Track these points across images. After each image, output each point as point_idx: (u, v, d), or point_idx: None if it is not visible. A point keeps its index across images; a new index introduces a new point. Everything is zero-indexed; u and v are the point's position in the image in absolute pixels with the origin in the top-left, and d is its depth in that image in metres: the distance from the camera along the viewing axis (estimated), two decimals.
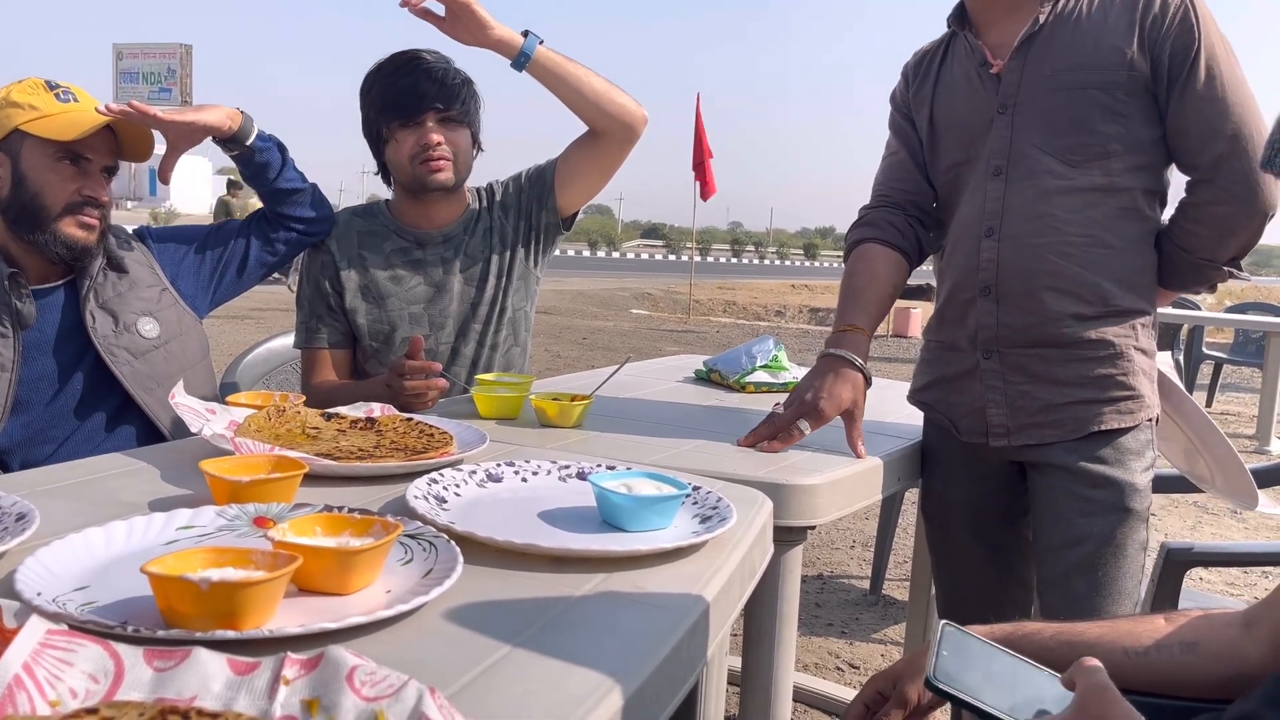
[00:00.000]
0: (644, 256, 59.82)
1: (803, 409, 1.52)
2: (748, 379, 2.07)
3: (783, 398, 2.01)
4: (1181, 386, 1.68)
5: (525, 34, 1.84)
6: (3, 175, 1.63)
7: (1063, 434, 1.52)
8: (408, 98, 1.90)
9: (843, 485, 1.41)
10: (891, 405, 1.95)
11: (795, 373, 2.11)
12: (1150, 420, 1.54)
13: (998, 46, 1.55)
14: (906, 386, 1.84)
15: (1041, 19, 1.50)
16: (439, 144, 1.92)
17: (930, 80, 1.67)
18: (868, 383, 1.58)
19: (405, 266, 2.01)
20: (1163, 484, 1.88)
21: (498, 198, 2.11)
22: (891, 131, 1.76)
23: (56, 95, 1.66)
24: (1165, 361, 1.64)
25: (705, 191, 13.38)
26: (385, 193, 2.15)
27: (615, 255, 57.48)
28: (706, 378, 2.19)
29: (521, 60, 1.84)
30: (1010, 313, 1.53)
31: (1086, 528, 1.51)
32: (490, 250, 2.05)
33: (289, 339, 2.32)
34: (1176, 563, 1.75)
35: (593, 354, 10.07)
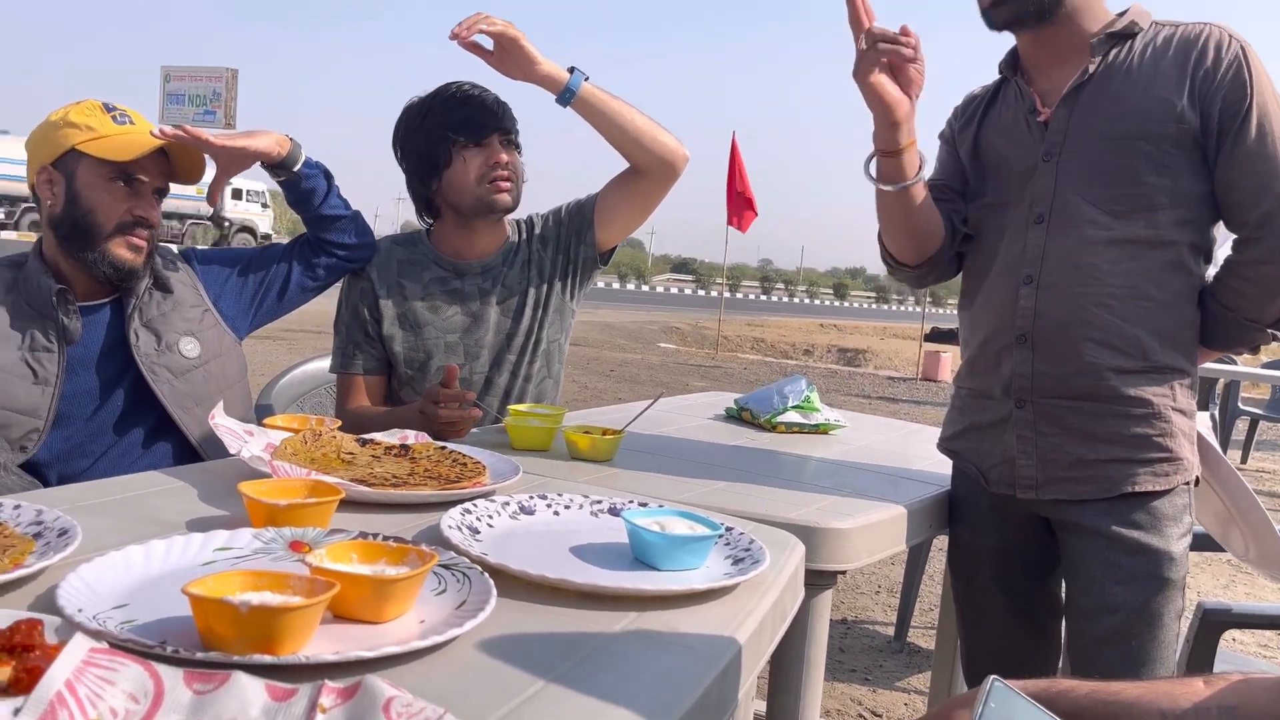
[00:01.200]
0: (673, 291, 59.94)
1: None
2: (779, 419, 2.07)
3: (815, 439, 2.02)
4: (1219, 448, 1.65)
5: (571, 70, 1.87)
6: (57, 193, 1.66)
7: (1094, 491, 1.49)
8: (476, 120, 1.94)
9: (875, 530, 1.40)
10: (921, 451, 1.94)
11: (827, 414, 2.10)
12: (1187, 484, 1.51)
13: (1047, 93, 1.55)
14: (935, 432, 1.83)
15: (1091, 69, 1.49)
16: (508, 162, 1.95)
17: (976, 121, 1.67)
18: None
19: (443, 296, 2.03)
20: (1196, 542, 1.85)
21: (537, 231, 2.13)
22: (937, 163, 1.74)
23: (113, 117, 1.70)
24: (1204, 422, 1.61)
25: (743, 224, 13.42)
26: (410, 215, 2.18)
27: (645, 288, 57.68)
28: (737, 416, 2.18)
29: (567, 96, 1.87)
30: (1046, 362, 1.51)
31: (1120, 596, 1.47)
32: (528, 282, 2.07)
33: (324, 362, 2.34)
34: (1213, 624, 1.72)
35: (620, 386, 10.08)
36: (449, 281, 2.05)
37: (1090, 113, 1.49)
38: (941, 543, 3.12)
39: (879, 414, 2.36)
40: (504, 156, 1.96)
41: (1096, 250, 1.47)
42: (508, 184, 1.98)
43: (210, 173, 1.81)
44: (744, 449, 1.88)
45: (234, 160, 1.77)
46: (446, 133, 1.95)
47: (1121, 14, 1.53)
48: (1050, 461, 1.52)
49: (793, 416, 2.07)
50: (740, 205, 13.41)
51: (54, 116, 1.71)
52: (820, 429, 2.07)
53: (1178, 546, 1.48)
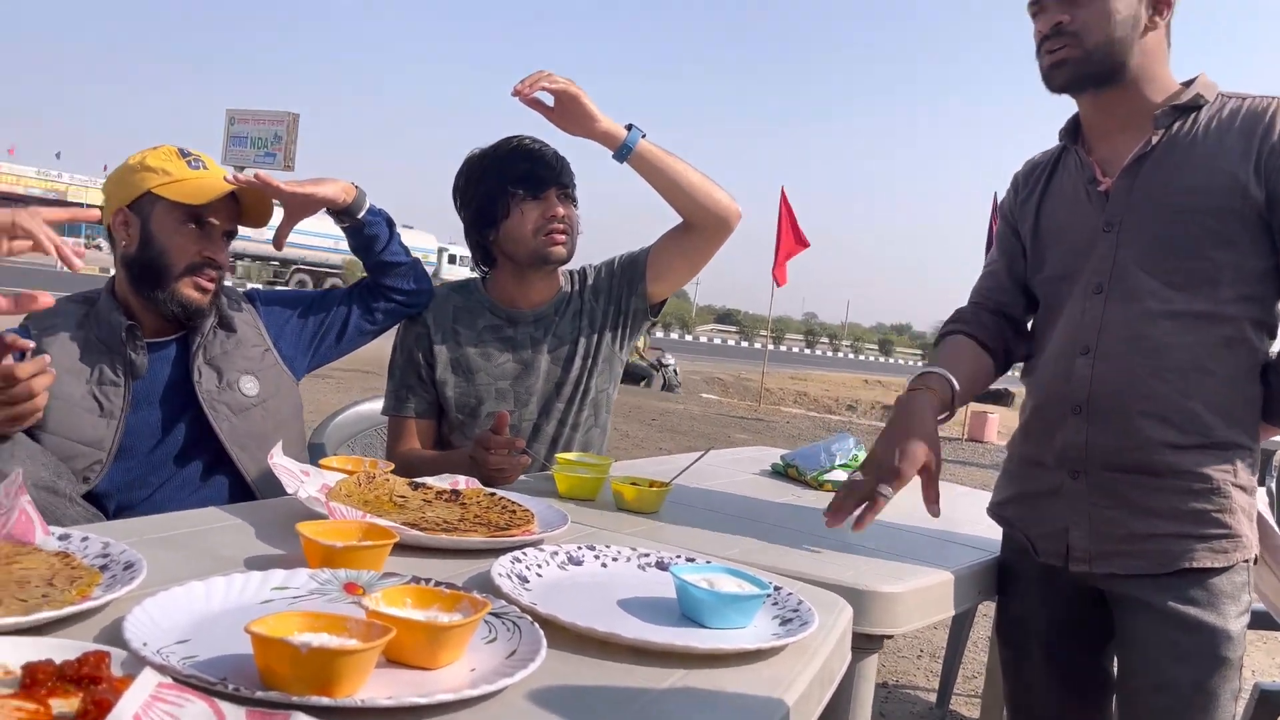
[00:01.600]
0: (716, 341, 59.92)
1: (881, 473, 1.46)
2: (826, 477, 2.06)
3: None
4: (1275, 524, 1.61)
5: (629, 127, 1.91)
6: (132, 234, 1.73)
7: (1150, 566, 1.46)
8: (535, 173, 1.99)
9: (923, 595, 1.39)
10: (967, 514, 1.91)
11: None
12: (1246, 561, 1.47)
13: (1108, 163, 1.54)
14: (982, 494, 1.81)
15: (1155, 140, 1.48)
16: (564, 216, 2.00)
17: (1038, 192, 1.66)
18: (950, 414, 1.55)
19: (496, 343, 2.06)
20: (1253, 620, 1.80)
21: (589, 282, 2.16)
22: (996, 240, 1.76)
23: (188, 162, 1.77)
24: (1260, 498, 1.58)
25: (781, 272, 13.48)
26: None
27: (689, 338, 57.76)
28: (783, 472, 2.18)
29: (624, 152, 1.90)
30: (1101, 433, 1.49)
31: (1175, 674, 1.43)
32: (579, 332, 2.10)
33: (375, 404, 2.38)
34: (1270, 705, 1.67)
35: (661, 436, 10.07)
36: (502, 329, 2.08)
37: (1152, 185, 1.48)
38: (986, 608, 3.05)
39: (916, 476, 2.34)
40: (560, 210, 2.00)
41: (1156, 323, 1.45)
42: (563, 237, 2.01)
43: (277, 217, 1.87)
44: (790, 506, 1.87)
45: (301, 206, 1.82)
46: (506, 185, 2.00)
47: (1188, 83, 1.52)
48: (1104, 535, 1.50)
49: (839, 475, 2.06)
50: (786, 256, 13.47)
51: (132, 160, 1.78)
52: None
53: (1235, 625, 1.44)
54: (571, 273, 2.19)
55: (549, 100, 1.85)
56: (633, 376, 15.95)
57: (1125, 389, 1.47)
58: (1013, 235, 1.72)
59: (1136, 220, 1.48)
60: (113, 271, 1.81)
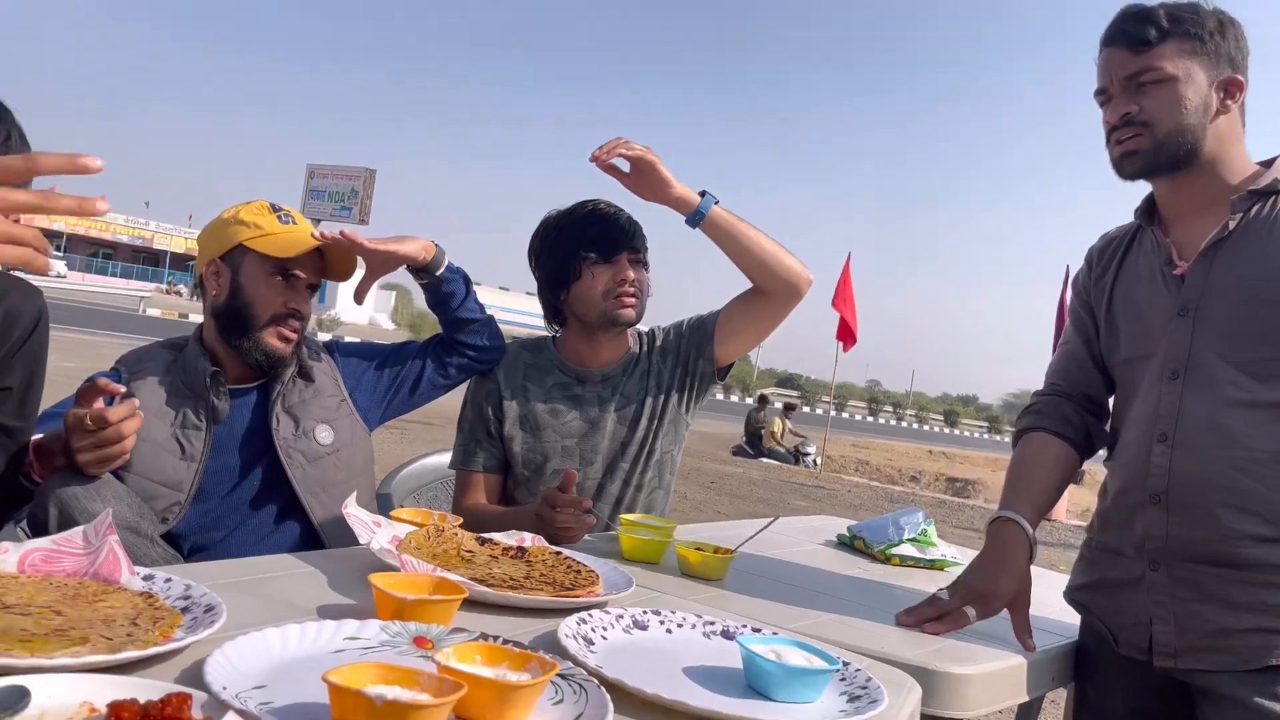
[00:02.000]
0: (777, 405, 59.45)
1: (969, 596, 1.48)
2: (894, 551, 2.02)
3: (930, 575, 1.96)
4: None
5: (702, 194, 1.94)
6: (222, 283, 1.79)
7: (1236, 663, 1.40)
8: (607, 237, 2.03)
9: (995, 679, 1.35)
10: (1041, 595, 1.85)
11: (944, 550, 2.05)
12: None
13: (1184, 245, 1.51)
14: (1055, 576, 1.76)
15: (1232, 225, 1.45)
16: (634, 279, 2.02)
17: (1113, 270, 1.64)
18: (1030, 558, 1.53)
19: (564, 401, 2.09)
20: None
21: (658, 343, 2.17)
22: (1070, 319, 1.73)
23: (279, 217, 1.84)
24: None
25: (846, 343, 13.41)
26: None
27: (749, 400, 57.50)
28: (850, 544, 2.14)
29: (696, 218, 1.93)
30: (1182, 525, 1.44)
31: None
32: (646, 393, 2.11)
33: (442, 457, 2.41)
34: None
35: (720, 499, 9.98)
36: (570, 387, 2.10)
37: (1229, 270, 1.45)
38: (1055, 694, 2.94)
39: None
40: (631, 274, 2.03)
41: (1236, 412, 1.41)
42: (632, 299, 2.04)
43: (359, 272, 1.92)
44: (857, 580, 1.84)
45: (383, 263, 1.88)
46: (579, 248, 2.03)
47: (1266, 163, 1.50)
48: (1189, 629, 1.44)
49: (908, 549, 2.02)
50: (852, 321, 13.41)
51: (226, 214, 1.85)
52: (936, 565, 2.01)
53: None
54: (640, 334, 2.21)
55: (625, 166, 1.89)
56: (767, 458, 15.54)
57: (1205, 479, 1.42)
58: (1087, 314, 1.69)
59: (1213, 306, 1.45)
60: (190, 318, 1.88)
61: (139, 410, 1.44)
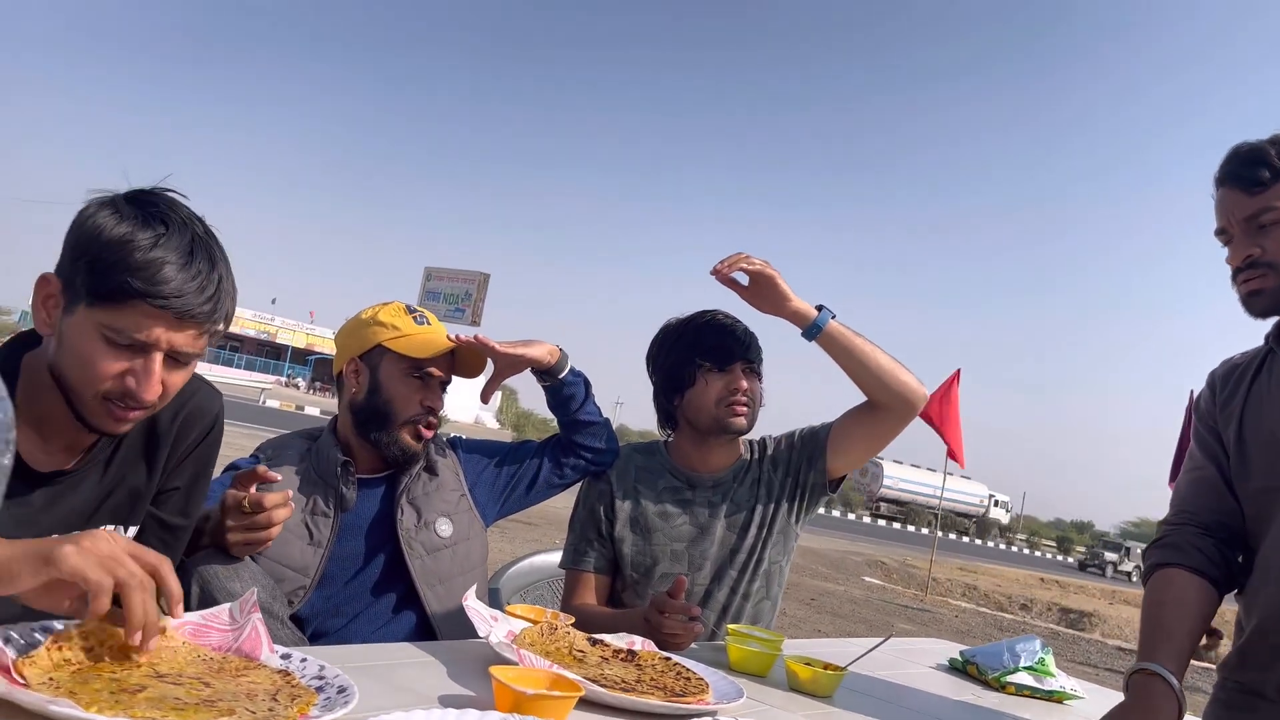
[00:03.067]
0: (879, 523, 57.84)
1: None
2: (1009, 679, 1.94)
3: (1048, 707, 1.88)
4: None
5: (819, 308, 1.97)
6: (361, 381, 1.90)
7: None
8: (723, 347, 2.07)
9: None
10: None
11: (1062, 681, 1.96)
12: None
13: None
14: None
15: None
16: (747, 389, 2.06)
17: (1241, 394, 1.59)
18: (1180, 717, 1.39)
19: (674, 504, 2.11)
20: None
21: (769, 452, 2.19)
22: (1195, 443, 1.67)
23: (414, 318, 1.95)
24: None
25: (957, 460, 13.01)
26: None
27: (850, 517, 56.04)
28: (962, 669, 2.07)
29: (813, 331, 1.96)
30: None
31: None
32: (756, 500, 2.12)
33: (548, 557, 2.45)
34: None
35: (820, 617, 9.70)
36: (681, 491, 2.13)
37: None
38: None
39: (1109, 689, 2.17)
40: (744, 384, 2.07)
41: None
42: (744, 409, 2.07)
43: (487, 372, 2.01)
44: (970, 707, 1.77)
45: (510, 365, 1.96)
46: (694, 356, 2.09)
47: None
48: None
49: (1024, 678, 1.94)
50: (957, 439, 13.02)
51: (365, 315, 1.97)
52: (1055, 696, 1.93)
53: None
54: (752, 442, 2.23)
55: (744, 279, 1.94)
56: None
57: None
58: (1214, 439, 1.63)
59: None
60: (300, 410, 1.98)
61: (291, 500, 1.52)
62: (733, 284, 1.94)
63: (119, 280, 1.13)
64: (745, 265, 1.90)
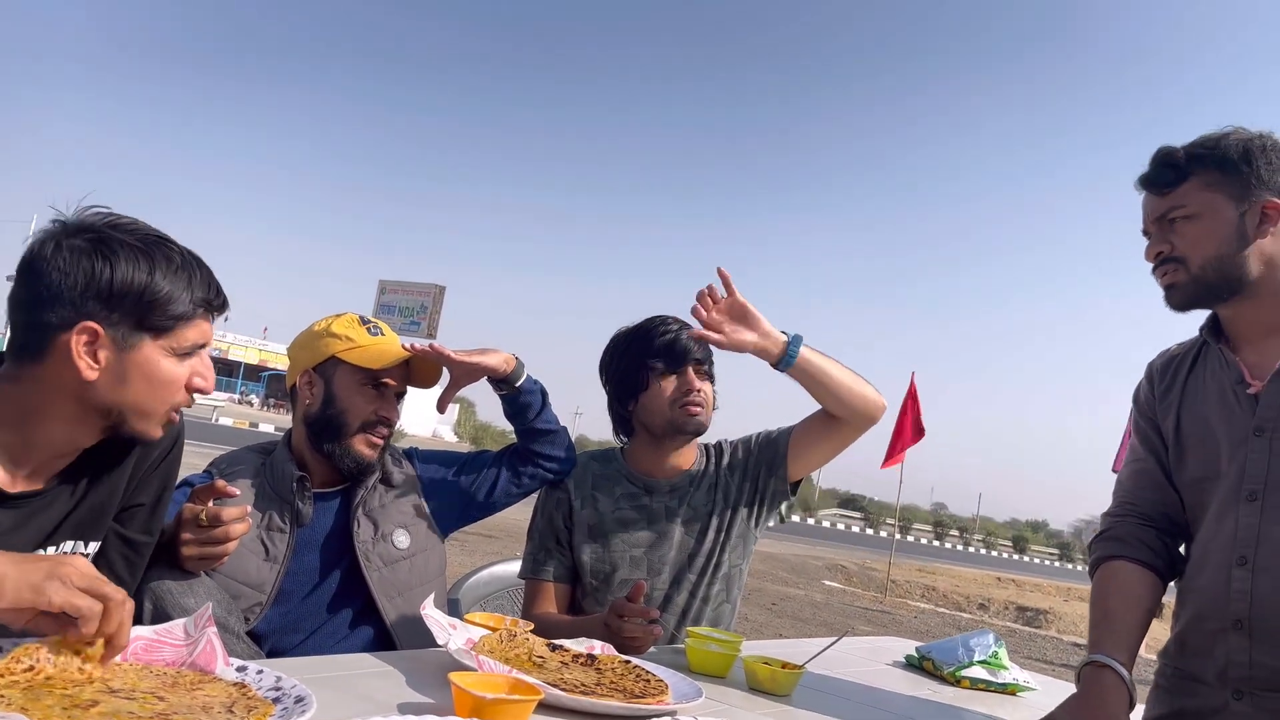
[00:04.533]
0: (839, 527, 58.23)
1: None
2: (964, 673, 1.98)
3: (1002, 699, 1.92)
4: None
5: (789, 337, 1.99)
6: (315, 393, 1.89)
7: None
8: (673, 348, 2.10)
9: None
10: None
11: (1016, 674, 2.00)
12: None
13: (1256, 366, 1.51)
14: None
15: None
16: (700, 389, 2.08)
17: (1178, 387, 1.62)
18: (1130, 707, 1.43)
19: (632, 510, 2.12)
20: None
21: (725, 458, 2.21)
22: (1135, 436, 1.70)
23: (368, 329, 1.94)
24: None
25: (888, 460, 13.05)
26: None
27: (810, 521, 56.38)
28: (918, 665, 2.11)
29: (785, 363, 1.98)
30: (1267, 653, 1.41)
31: None
32: (713, 505, 2.14)
33: (509, 566, 2.45)
34: None
35: (781, 622, 9.75)
36: (639, 497, 2.14)
37: None
38: None
39: (1062, 681, 2.22)
40: (697, 384, 2.09)
41: None
42: (698, 409, 2.09)
43: (443, 382, 2.01)
44: (926, 702, 1.81)
45: (466, 373, 1.96)
46: (646, 359, 2.11)
47: None
48: None
49: (978, 672, 1.98)
50: (903, 445, 13.07)
51: (318, 327, 1.96)
52: (1008, 689, 1.96)
53: None
54: (708, 447, 2.25)
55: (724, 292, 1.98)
56: None
57: None
58: (1154, 430, 1.66)
59: None
60: (260, 427, 1.97)
61: (249, 515, 1.51)
62: (712, 331, 1.96)
63: (182, 310, 1.25)
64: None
